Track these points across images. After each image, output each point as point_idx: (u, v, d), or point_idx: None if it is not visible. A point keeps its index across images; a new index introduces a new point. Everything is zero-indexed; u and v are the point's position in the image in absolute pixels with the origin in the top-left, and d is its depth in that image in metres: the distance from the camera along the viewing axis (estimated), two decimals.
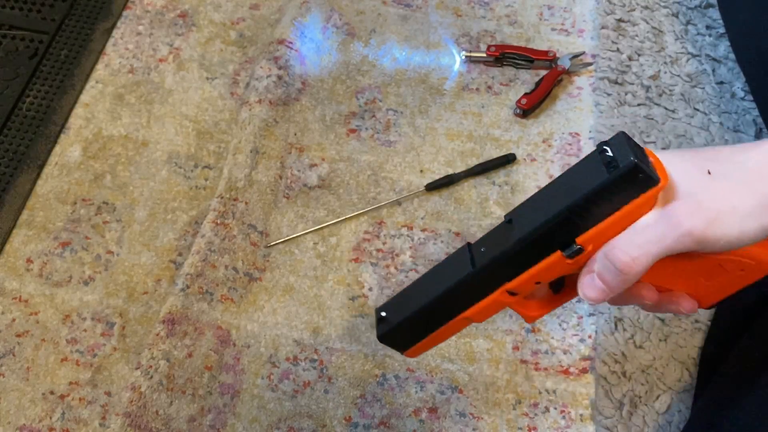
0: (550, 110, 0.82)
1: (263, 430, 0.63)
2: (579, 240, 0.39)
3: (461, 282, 0.43)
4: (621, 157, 0.37)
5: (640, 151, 0.37)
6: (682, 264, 0.40)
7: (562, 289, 0.46)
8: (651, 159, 0.38)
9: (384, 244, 0.73)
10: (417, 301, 0.46)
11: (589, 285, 0.40)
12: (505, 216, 0.42)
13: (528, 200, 0.42)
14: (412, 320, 0.46)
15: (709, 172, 0.38)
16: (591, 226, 0.39)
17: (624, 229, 0.39)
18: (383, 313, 0.47)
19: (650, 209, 0.38)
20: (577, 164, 0.40)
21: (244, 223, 0.73)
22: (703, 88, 0.82)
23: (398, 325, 0.46)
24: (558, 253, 0.40)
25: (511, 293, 0.43)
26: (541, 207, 0.40)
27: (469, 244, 0.45)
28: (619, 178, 0.37)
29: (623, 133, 0.38)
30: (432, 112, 0.82)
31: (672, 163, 0.38)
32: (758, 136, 0.78)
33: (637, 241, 0.38)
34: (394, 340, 0.48)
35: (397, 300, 0.48)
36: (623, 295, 0.41)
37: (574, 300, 0.69)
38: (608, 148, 0.38)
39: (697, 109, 0.80)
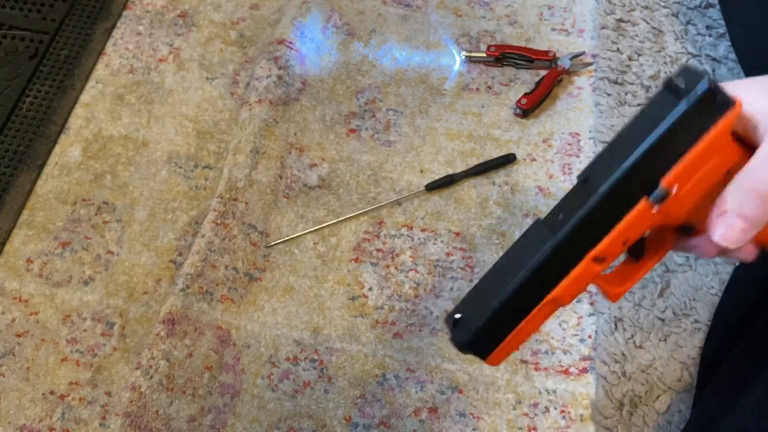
0: (550, 110, 0.82)
1: (263, 430, 0.63)
2: (664, 182, 0.37)
3: (545, 257, 0.40)
4: (693, 83, 0.36)
5: (708, 76, 0.36)
6: None
7: (642, 257, 0.43)
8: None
9: (384, 244, 0.73)
10: (498, 292, 0.41)
11: (726, 228, 0.38)
12: (578, 176, 0.40)
13: (599, 155, 0.40)
14: (497, 316, 0.41)
15: None
16: (673, 163, 0.37)
17: (707, 161, 0.37)
18: (458, 315, 0.42)
19: (729, 137, 0.37)
20: (644, 106, 0.38)
21: (244, 223, 0.73)
22: None
23: (482, 326, 0.41)
24: (644, 201, 0.38)
25: (599, 260, 0.40)
26: (616, 156, 0.38)
27: (539, 219, 0.41)
28: (698, 103, 0.36)
29: (687, 64, 0.38)
30: (432, 112, 0.82)
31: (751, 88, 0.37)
32: None
33: None
34: (478, 345, 0.43)
35: (471, 298, 0.43)
36: (763, 233, 0.38)
37: (574, 300, 0.69)
38: (677, 79, 0.36)
39: None
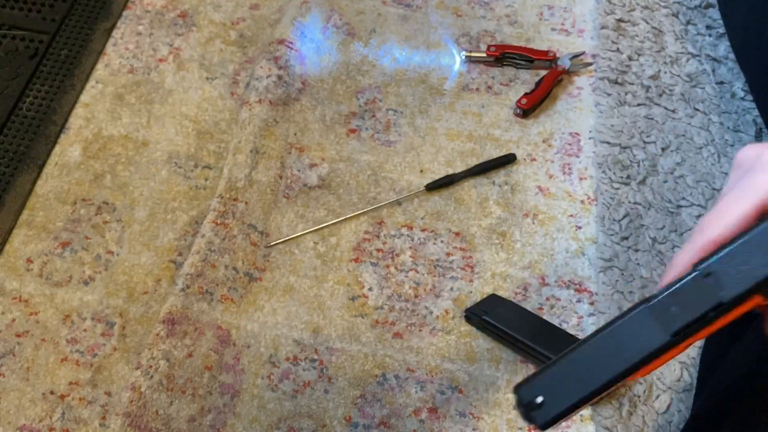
0: (550, 110, 0.82)
1: (263, 430, 0.63)
2: None
3: (651, 353, 0.39)
4: None
5: None
6: None
7: None
8: None
9: (384, 244, 0.73)
10: (591, 382, 0.40)
11: None
12: (695, 266, 0.39)
13: (729, 251, 0.39)
14: (585, 400, 0.40)
15: None
16: None
17: None
18: (539, 399, 0.41)
19: None
20: None
21: (244, 223, 0.73)
22: (703, 88, 0.82)
23: (565, 411, 0.40)
24: (759, 298, 0.37)
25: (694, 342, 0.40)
26: (747, 261, 0.38)
27: (647, 302, 0.40)
28: None
29: None
30: (432, 112, 0.82)
31: None
32: (758, 135, 0.78)
33: None
34: (552, 423, 0.42)
35: (555, 377, 0.41)
36: None
37: (573, 301, 0.69)
38: None
39: (697, 109, 0.80)
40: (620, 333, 0.40)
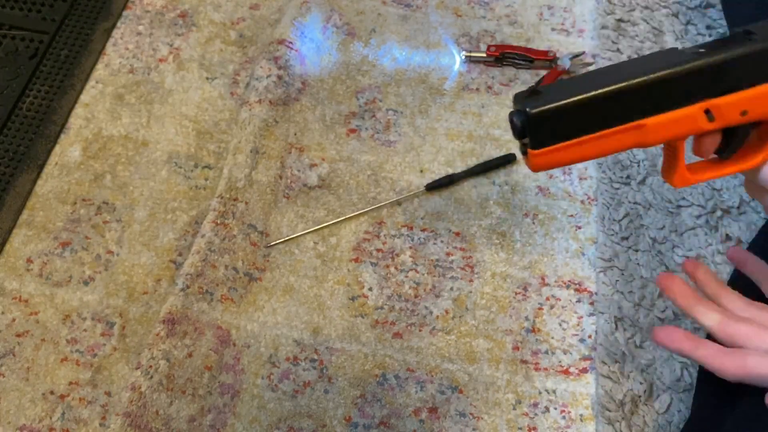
0: None
1: (263, 430, 0.63)
2: None
3: (665, 75, 0.36)
4: None
5: None
6: None
7: (731, 156, 0.41)
8: None
9: (384, 244, 0.73)
10: (596, 86, 0.37)
11: None
12: (737, 29, 0.38)
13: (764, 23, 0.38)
14: (581, 107, 0.37)
15: None
16: None
17: None
18: (540, 88, 0.38)
19: None
20: None
21: (244, 223, 0.73)
22: None
23: (559, 106, 0.37)
24: None
25: (710, 115, 0.37)
26: None
27: (677, 48, 0.39)
28: None
29: None
30: (432, 112, 0.82)
31: None
32: None
33: None
34: (542, 126, 0.38)
35: (564, 84, 0.39)
36: None
37: (573, 301, 0.69)
38: None
39: None
40: (644, 58, 0.39)
